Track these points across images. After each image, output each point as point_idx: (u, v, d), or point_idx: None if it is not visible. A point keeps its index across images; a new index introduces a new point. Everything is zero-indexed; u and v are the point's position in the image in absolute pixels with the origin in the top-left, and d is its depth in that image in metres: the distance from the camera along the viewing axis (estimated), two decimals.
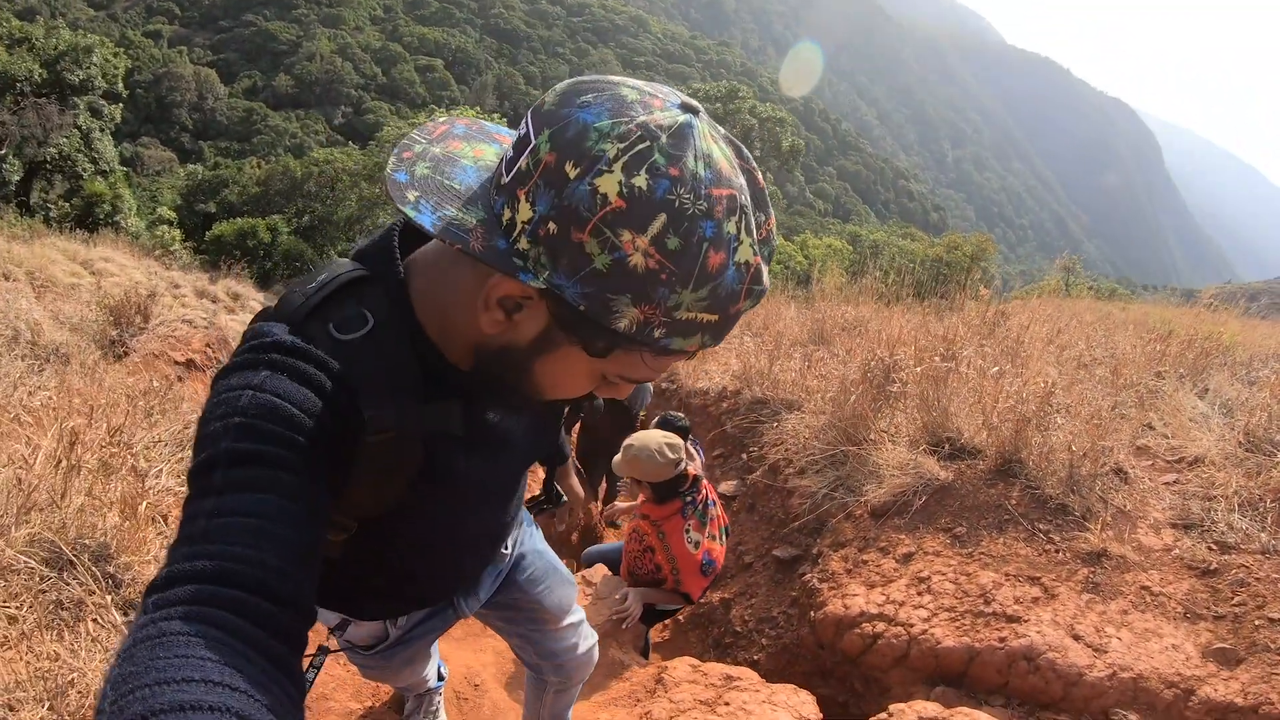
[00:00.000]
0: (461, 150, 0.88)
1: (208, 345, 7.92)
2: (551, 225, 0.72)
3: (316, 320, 0.89)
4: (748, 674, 2.62)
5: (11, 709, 1.81)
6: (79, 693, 1.94)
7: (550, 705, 2.13)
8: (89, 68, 23.41)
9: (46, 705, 1.85)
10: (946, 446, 3.61)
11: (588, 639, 2.00)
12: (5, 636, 2.00)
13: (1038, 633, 2.55)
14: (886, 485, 3.45)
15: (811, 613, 3.10)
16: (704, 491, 3.20)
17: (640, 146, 0.70)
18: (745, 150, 0.80)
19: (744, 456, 5.10)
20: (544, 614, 1.80)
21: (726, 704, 2.39)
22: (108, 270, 12.58)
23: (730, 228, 0.73)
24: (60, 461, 2.62)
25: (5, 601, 2.08)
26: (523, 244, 0.75)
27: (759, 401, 5.69)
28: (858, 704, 2.94)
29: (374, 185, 29.10)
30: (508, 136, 0.90)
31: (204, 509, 0.72)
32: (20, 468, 2.57)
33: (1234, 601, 2.66)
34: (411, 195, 0.80)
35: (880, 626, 2.77)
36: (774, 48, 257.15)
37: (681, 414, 3.98)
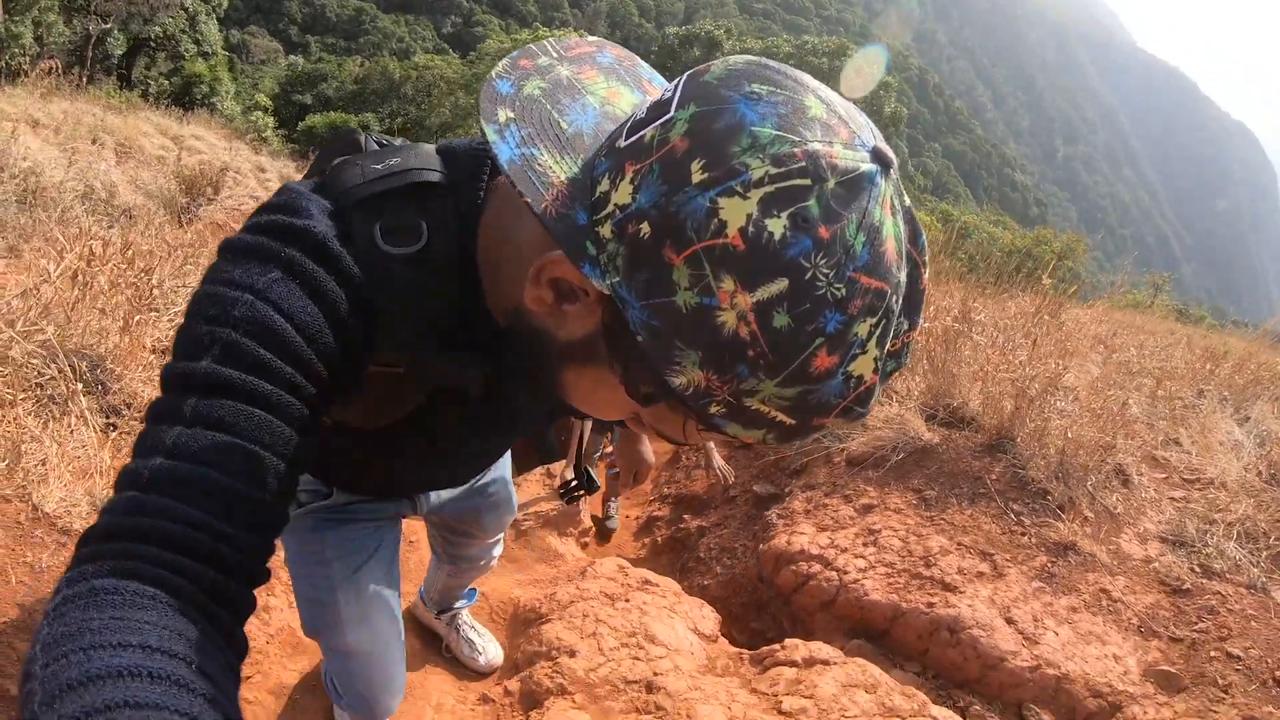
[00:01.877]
0: (595, 83, 0.70)
1: None
2: (645, 226, 0.56)
3: (365, 213, 0.74)
4: (668, 584, 2.63)
5: None
6: (37, 461, 2.17)
7: (443, 583, 2.20)
8: None
9: (5, 462, 2.08)
10: (942, 412, 3.53)
11: (495, 552, 2.02)
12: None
13: (969, 606, 2.47)
14: (868, 436, 3.40)
15: (760, 545, 3.12)
16: None
17: (797, 181, 0.53)
18: (923, 237, 0.63)
19: None
20: (480, 531, 1.79)
21: (628, 601, 2.41)
22: (197, 148, 12.93)
23: (860, 331, 0.56)
24: (76, 276, 2.84)
25: (6, 388, 2.32)
26: (605, 230, 0.59)
27: None
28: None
29: (470, 95, 29.28)
30: (659, 90, 0.69)
31: (166, 441, 0.63)
32: (43, 279, 2.78)
33: (1196, 627, 2.54)
34: (503, 115, 0.63)
35: (815, 568, 2.74)
36: (896, 12, 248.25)
37: None
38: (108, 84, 20.37)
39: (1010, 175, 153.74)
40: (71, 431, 2.41)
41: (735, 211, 0.52)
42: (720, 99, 0.56)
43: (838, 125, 0.56)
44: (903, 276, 0.59)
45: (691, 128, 0.55)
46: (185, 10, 24.44)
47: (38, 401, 2.40)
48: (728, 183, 0.53)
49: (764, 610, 3.01)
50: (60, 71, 13.93)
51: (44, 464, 2.21)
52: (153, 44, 24.46)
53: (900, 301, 0.59)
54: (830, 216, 0.53)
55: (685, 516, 4.24)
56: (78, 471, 2.28)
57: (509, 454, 1.59)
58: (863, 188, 0.54)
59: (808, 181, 0.53)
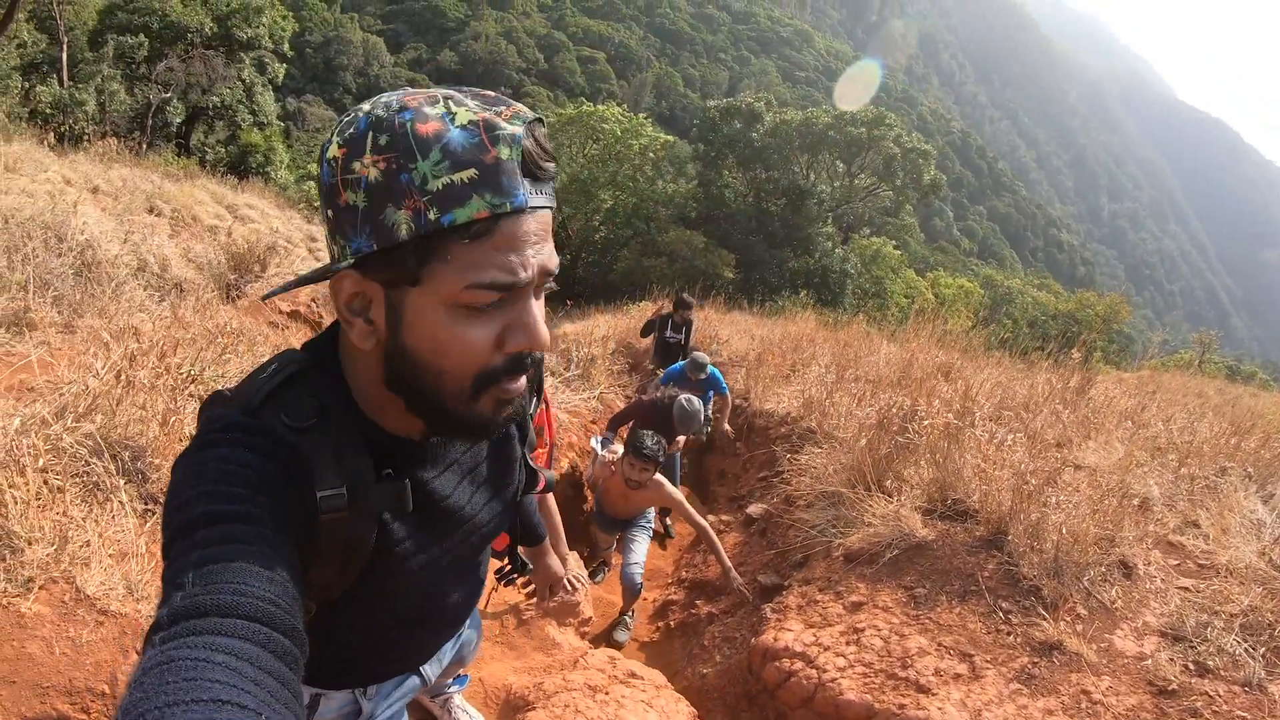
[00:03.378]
0: None
1: (313, 299, 8.46)
2: (329, 213, 0.83)
3: (270, 408, 0.91)
4: (653, 676, 2.75)
5: (29, 543, 2.32)
6: (81, 544, 2.43)
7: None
8: (258, 27, 24.48)
9: (54, 547, 2.36)
10: (940, 506, 3.56)
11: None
12: (49, 501, 2.51)
13: (939, 709, 2.50)
14: (865, 532, 3.46)
15: (752, 639, 3.19)
16: None
17: (346, 117, 0.82)
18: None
19: (776, 482, 5.16)
20: (460, 669, 1.99)
21: (608, 693, 2.54)
22: (250, 216, 13.35)
23: (435, 110, 0.79)
24: (120, 374, 3.14)
25: (56, 476, 2.60)
26: (335, 248, 0.85)
27: (810, 431, 5.73)
28: None
29: None
30: None
31: (190, 562, 0.74)
32: (90, 374, 3.11)
33: None
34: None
35: (797, 665, 2.81)
36: (938, 76, 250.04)
37: (653, 441, 4.01)
38: (166, 151, 21.27)
39: (1056, 235, 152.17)
40: (113, 517, 2.67)
41: (333, 149, 0.81)
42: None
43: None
44: (436, 111, 0.79)
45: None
46: (242, 81, 25.24)
47: (83, 488, 2.66)
48: (325, 150, 0.83)
49: (754, 702, 3.08)
50: (121, 138, 14.59)
51: (87, 547, 2.48)
52: (210, 113, 25.20)
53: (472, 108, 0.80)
54: (369, 106, 0.82)
55: (698, 602, 4.33)
56: (117, 555, 2.54)
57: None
58: (388, 98, 0.82)
59: (351, 114, 0.83)
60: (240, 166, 22.96)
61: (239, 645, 0.66)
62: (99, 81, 21.00)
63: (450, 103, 0.80)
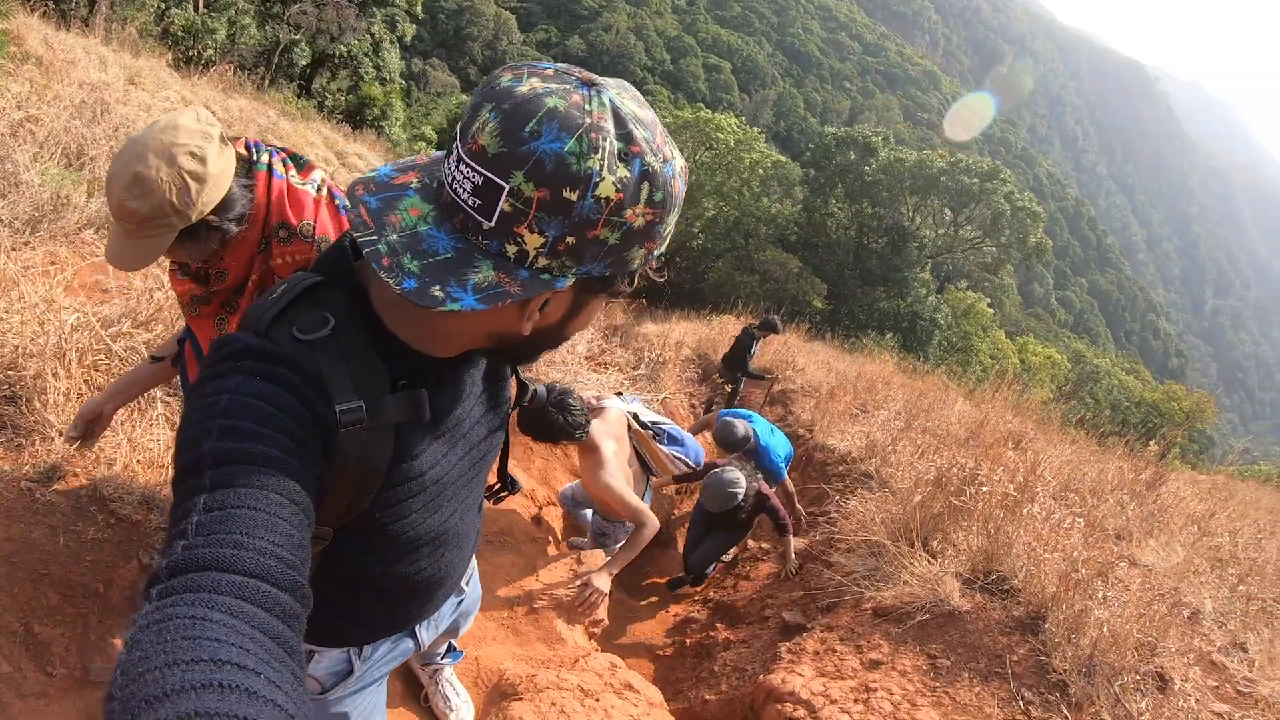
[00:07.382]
0: (408, 209, 0.88)
1: None
2: (570, 239, 0.82)
3: (280, 325, 0.93)
4: (651, 693, 2.68)
5: (60, 434, 2.44)
6: (112, 446, 2.55)
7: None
8: None
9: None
10: (982, 578, 3.40)
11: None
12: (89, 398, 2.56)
13: None
14: (899, 590, 3.32)
15: (761, 675, 3.08)
16: None
17: (605, 146, 0.79)
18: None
19: (822, 521, 5.03)
20: (454, 637, 1.97)
21: (598, 701, 2.48)
22: (356, 166, 13.48)
23: (679, 162, 0.87)
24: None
25: (103, 375, 2.71)
26: (541, 263, 0.84)
27: (867, 475, 5.63)
28: None
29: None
30: (408, 174, 0.93)
31: (196, 506, 0.74)
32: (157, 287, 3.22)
33: None
34: (437, 291, 0.81)
35: (800, 713, 2.70)
36: (1060, 139, 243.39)
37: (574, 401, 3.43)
38: (288, 90, 21.79)
39: (1154, 321, 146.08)
40: (150, 426, 2.76)
41: (606, 188, 0.80)
42: (527, 154, 0.78)
43: (564, 92, 0.81)
44: (646, 106, 0.87)
45: (537, 182, 0.78)
46: (371, 35, 25.70)
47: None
48: (591, 182, 0.79)
49: None
50: (246, 71, 14.87)
51: (116, 450, 2.57)
52: (335, 61, 25.58)
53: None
54: (627, 138, 0.82)
55: (718, 625, 4.26)
56: (145, 464, 2.61)
57: (475, 564, 1.78)
58: (613, 110, 0.82)
59: (608, 139, 0.80)
60: (356, 117, 23.35)
61: (237, 604, 0.65)
62: (232, 14, 21.44)
63: (668, 137, 0.87)
